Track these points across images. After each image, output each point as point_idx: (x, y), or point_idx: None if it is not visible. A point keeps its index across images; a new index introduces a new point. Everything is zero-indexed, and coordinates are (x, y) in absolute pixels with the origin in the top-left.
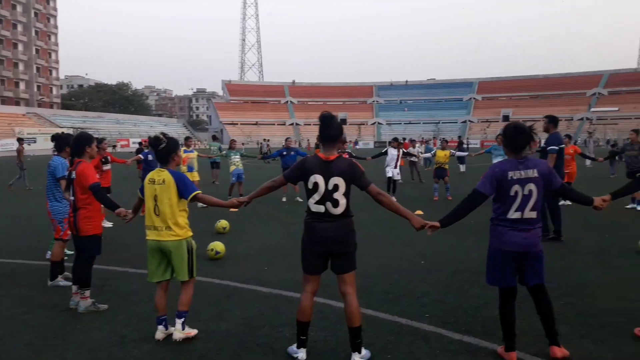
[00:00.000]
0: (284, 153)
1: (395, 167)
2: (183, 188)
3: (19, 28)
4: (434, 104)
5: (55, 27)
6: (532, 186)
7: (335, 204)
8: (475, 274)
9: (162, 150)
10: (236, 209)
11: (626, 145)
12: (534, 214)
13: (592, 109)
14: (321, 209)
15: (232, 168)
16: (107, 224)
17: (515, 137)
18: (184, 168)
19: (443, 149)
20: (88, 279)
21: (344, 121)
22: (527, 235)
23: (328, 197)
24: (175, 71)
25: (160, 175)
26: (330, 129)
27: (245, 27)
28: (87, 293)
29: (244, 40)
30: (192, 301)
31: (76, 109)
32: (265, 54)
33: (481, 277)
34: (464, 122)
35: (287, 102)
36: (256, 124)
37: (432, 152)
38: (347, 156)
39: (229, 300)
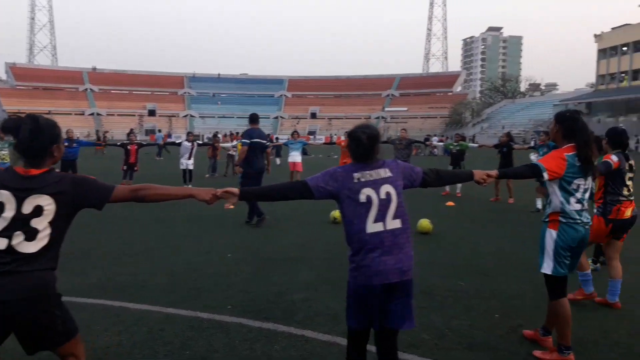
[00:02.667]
0: (65, 144)
1: (189, 159)
2: None
3: None
4: (247, 98)
5: None
6: (388, 188)
7: (31, 235)
8: (279, 262)
9: None
10: None
11: (394, 141)
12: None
13: (386, 109)
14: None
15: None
16: None
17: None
18: None
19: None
20: None
21: (152, 112)
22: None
23: (20, 226)
24: None
25: None
26: (30, 140)
27: (35, 5)
28: None
29: (32, 19)
30: None
31: None
32: (60, 36)
33: (284, 264)
34: (276, 117)
35: (86, 89)
36: (49, 113)
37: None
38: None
39: None
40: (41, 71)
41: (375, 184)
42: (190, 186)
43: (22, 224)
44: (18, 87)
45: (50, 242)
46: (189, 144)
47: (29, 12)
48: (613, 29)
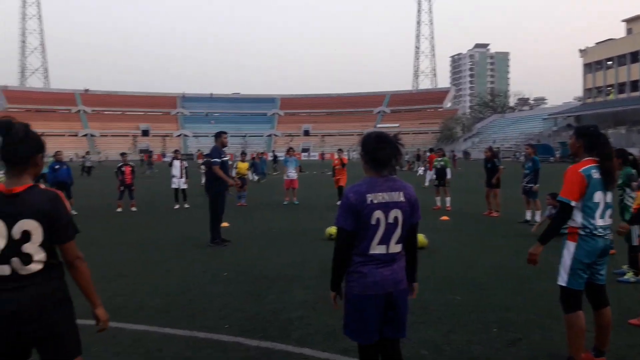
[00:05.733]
0: (56, 167)
1: (181, 177)
2: None
3: None
4: (240, 117)
5: None
6: (397, 213)
7: (27, 260)
8: (274, 280)
9: None
10: None
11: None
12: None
13: (378, 125)
14: (5, 270)
15: None
16: None
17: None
18: None
19: (242, 161)
20: None
21: (146, 132)
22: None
23: (14, 251)
24: None
25: None
26: (13, 144)
27: (26, 29)
28: None
29: (24, 42)
30: None
31: None
32: (52, 58)
33: (279, 282)
34: (269, 135)
35: (79, 111)
36: (42, 134)
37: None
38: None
39: None
40: (33, 94)
41: (387, 207)
42: (186, 205)
43: (15, 250)
44: (10, 110)
45: (48, 258)
46: (179, 163)
47: (19, 35)
48: (597, 43)
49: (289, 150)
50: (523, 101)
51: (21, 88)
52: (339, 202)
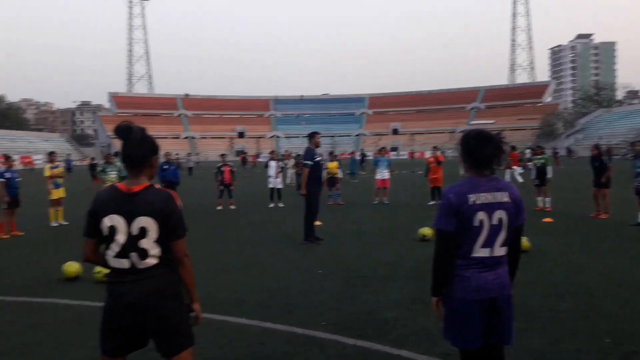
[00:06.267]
0: (165, 167)
1: (277, 177)
2: None
3: None
4: (329, 118)
5: None
6: (502, 214)
7: (144, 254)
8: (369, 279)
9: None
10: None
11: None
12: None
13: (471, 122)
14: (124, 263)
15: (107, 184)
16: None
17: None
18: (50, 186)
19: (332, 160)
20: None
21: (241, 134)
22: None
23: (132, 246)
24: (55, 83)
25: None
26: (132, 147)
27: (132, 39)
28: None
29: (130, 51)
30: (77, 330)
31: None
32: (155, 65)
33: (374, 281)
34: (358, 135)
35: (180, 114)
36: None
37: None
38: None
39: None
40: (139, 99)
41: (490, 208)
42: (280, 204)
43: (133, 245)
44: (119, 114)
45: (162, 253)
46: (275, 163)
47: (127, 45)
48: None
49: (381, 150)
50: (632, 94)
51: (129, 94)
52: (431, 203)
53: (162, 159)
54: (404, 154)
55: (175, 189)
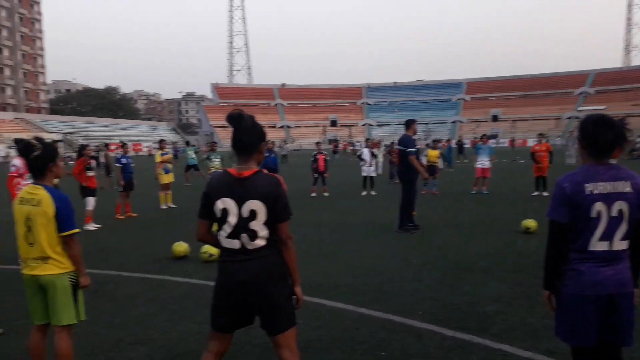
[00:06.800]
0: (265, 155)
1: (371, 165)
2: (63, 217)
3: (4, 33)
4: (423, 104)
5: (40, 31)
6: (622, 205)
7: (253, 236)
8: (467, 271)
9: (36, 160)
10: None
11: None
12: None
13: (580, 108)
14: (235, 244)
15: (211, 171)
16: (92, 227)
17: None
18: (160, 171)
19: (434, 148)
20: None
21: (334, 122)
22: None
23: (243, 227)
24: (163, 75)
25: (35, 193)
26: (243, 134)
27: (233, 31)
28: None
29: (231, 43)
30: (186, 304)
31: (65, 114)
32: (253, 57)
33: (472, 274)
34: (454, 122)
35: (277, 104)
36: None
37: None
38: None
39: None
40: (239, 89)
41: (609, 199)
42: (372, 192)
43: (244, 227)
44: (221, 104)
45: (270, 235)
46: (368, 152)
47: (228, 37)
48: None
49: (482, 137)
50: None
51: (229, 85)
52: (535, 193)
53: None
54: (504, 142)
55: None
